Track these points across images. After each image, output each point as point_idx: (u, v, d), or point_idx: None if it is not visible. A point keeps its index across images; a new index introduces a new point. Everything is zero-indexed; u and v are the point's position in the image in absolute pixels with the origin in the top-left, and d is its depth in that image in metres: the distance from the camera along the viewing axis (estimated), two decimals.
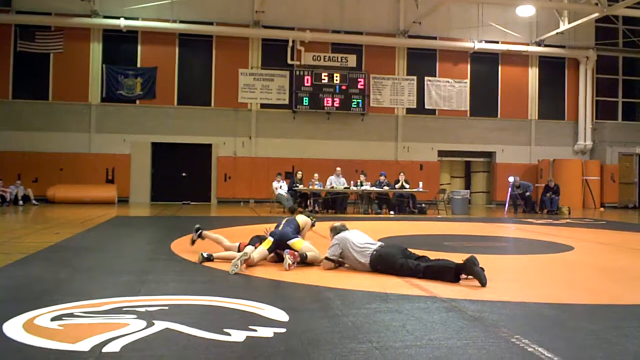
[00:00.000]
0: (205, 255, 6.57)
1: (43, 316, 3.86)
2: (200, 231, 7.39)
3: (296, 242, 6.54)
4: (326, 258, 6.26)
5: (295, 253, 6.29)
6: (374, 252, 6.00)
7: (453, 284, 5.46)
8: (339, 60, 22.00)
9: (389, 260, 5.88)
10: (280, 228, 6.81)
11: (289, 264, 6.11)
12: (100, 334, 3.44)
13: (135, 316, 3.89)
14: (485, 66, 23.22)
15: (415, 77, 22.62)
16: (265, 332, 3.62)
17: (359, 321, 4.04)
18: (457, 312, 4.36)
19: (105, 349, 3.16)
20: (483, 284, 5.39)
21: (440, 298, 4.83)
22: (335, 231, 6.53)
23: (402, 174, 18.05)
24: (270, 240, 6.56)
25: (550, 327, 4.10)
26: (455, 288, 5.30)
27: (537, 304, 4.78)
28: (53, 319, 3.80)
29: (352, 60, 22.07)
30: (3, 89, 19.97)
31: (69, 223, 11.83)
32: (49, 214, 14.68)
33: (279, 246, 6.56)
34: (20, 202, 17.97)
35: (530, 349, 3.40)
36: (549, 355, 3.29)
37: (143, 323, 3.71)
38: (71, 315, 3.91)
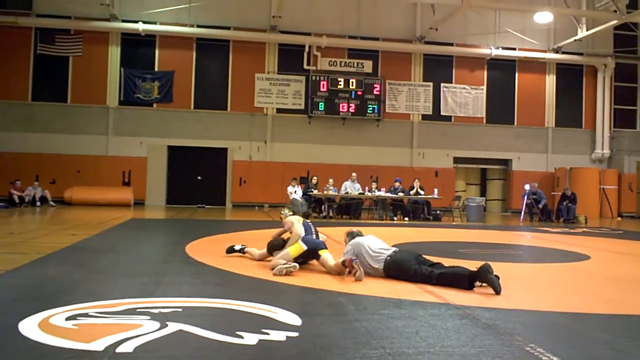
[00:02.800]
0: (237, 247, 6.71)
1: (58, 315, 3.90)
2: (244, 247, 7.34)
3: (326, 252, 6.40)
4: (342, 262, 6.17)
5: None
6: (388, 258, 5.97)
7: (467, 292, 5.42)
8: (355, 65, 22.03)
9: (403, 266, 5.85)
10: (313, 237, 6.62)
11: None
12: (114, 334, 3.46)
13: (149, 317, 3.91)
14: (502, 73, 23.11)
15: (431, 84, 22.58)
16: (278, 335, 3.62)
17: (372, 327, 4.02)
18: (471, 320, 4.33)
19: (118, 349, 3.18)
20: (497, 291, 5.33)
21: (454, 305, 4.80)
22: (350, 236, 6.49)
23: (417, 180, 18.00)
24: (302, 247, 6.37)
25: (564, 336, 4.06)
26: (469, 295, 5.27)
27: (552, 313, 4.73)
28: (68, 319, 3.83)
29: (368, 66, 22.09)
30: (23, 91, 20.25)
31: (85, 224, 11.93)
32: (66, 215, 14.83)
33: (310, 256, 6.39)
34: (38, 203, 18.17)
35: (544, 358, 3.36)
36: None
37: (157, 324, 3.73)
38: (86, 315, 3.94)
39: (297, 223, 6.78)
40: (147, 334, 3.50)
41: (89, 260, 6.84)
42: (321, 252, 6.38)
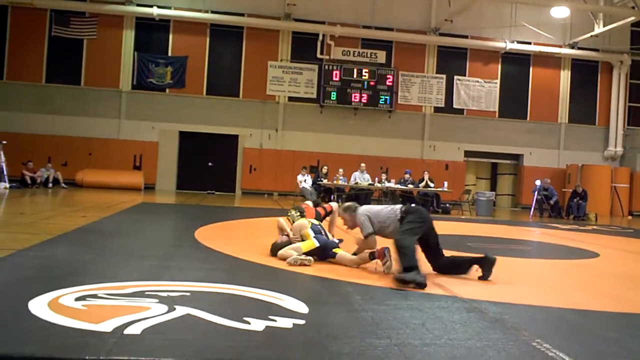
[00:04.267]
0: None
1: (67, 296, 3.93)
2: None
3: (340, 251, 6.31)
4: (368, 235, 5.95)
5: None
6: (402, 209, 5.93)
7: (474, 284, 5.42)
8: (369, 56, 21.93)
9: (423, 214, 5.93)
10: (322, 235, 6.51)
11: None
12: (123, 315, 3.49)
13: (157, 300, 3.94)
14: (516, 67, 22.93)
15: (444, 76, 22.45)
16: (285, 322, 3.64)
17: (379, 317, 4.03)
18: (478, 313, 4.33)
19: (126, 331, 3.21)
20: (484, 277, 5.66)
21: (461, 298, 4.80)
22: (351, 209, 6.20)
23: (426, 172, 17.96)
24: (315, 244, 6.24)
25: (572, 332, 4.06)
26: (477, 289, 5.27)
27: (560, 309, 4.73)
28: (77, 299, 3.86)
29: (381, 56, 21.98)
30: (37, 73, 20.34)
31: (96, 207, 12.01)
32: (77, 197, 14.93)
33: (321, 254, 6.26)
34: (50, 185, 18.29)
35: (551, 354, 3.36)
36: None
37: (165, 307, 3.76)
38: (95, 296, 3.97)
39: (307, 227, 6.57)
40: (155, 317, 3.53)
41: (98, 242, 6.89)
42: (336, 251, 6.28)
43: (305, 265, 5.90)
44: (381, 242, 5.96)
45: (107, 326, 3.26)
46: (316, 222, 6.87)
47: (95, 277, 4.58)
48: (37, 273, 4.83)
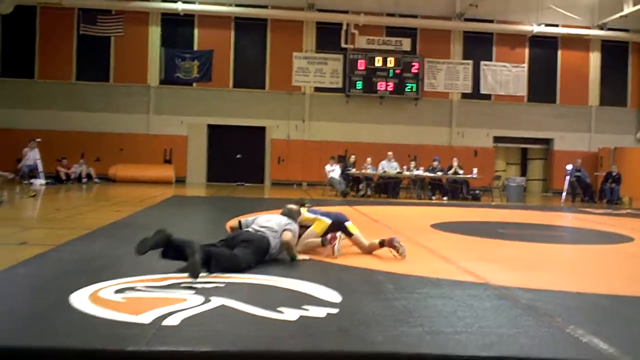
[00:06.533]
0: None
1: (107, 289, 4.04)
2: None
3: (351, 225, 6.26)
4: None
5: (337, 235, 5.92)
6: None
7: (505, 272, 5.39)
8: (393, 43, 21.79)
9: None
10: (328, 212, 6.41)
11: (337, 248, 5.81)
12: (161, 307, 3.58)
13: (193, 292, 4.03)
14: (544, 50, 22.55)
15: (470, 62, 22.20)
16: (318, 311, 3.69)
17: (411, 305, 4.06)
18: (510, 300, 4.33)
19: (165, 322, 3.30)
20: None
21: (493, 285, 4.80)
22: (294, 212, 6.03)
23: (455, 159, 17.83)
24: (326, 221, 6.13)
25: (606, 318, 4.03)
26: (509, 276, 5.24)
27: (594, 295, 4.69)
28: (116, 292, 3.97)
29: (406, 44, 21.82)
30: (67, 71, 20.72)
31: (129, 201, 12.24)
32: (110, 192, 15.22)
33: (337, 229, 6.14)
34: (84, 180, 18.69)
35: (585, 340, 3.34)
36: (605, 347, 3.22)
37: (201, 299, 3.84)
38: (133, 289, 4.08)
39: (306, 214, 6.34)
40: (191, 308, 3.61)
41: (134, 235, 6.95)
42: (349, 226, 6.19)
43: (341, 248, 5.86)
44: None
45: (146, 318, 3.36)
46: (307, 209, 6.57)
47: (132, 270, 4.69)
48: (76, 267, 4.97)
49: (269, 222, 5.53)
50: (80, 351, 2.87)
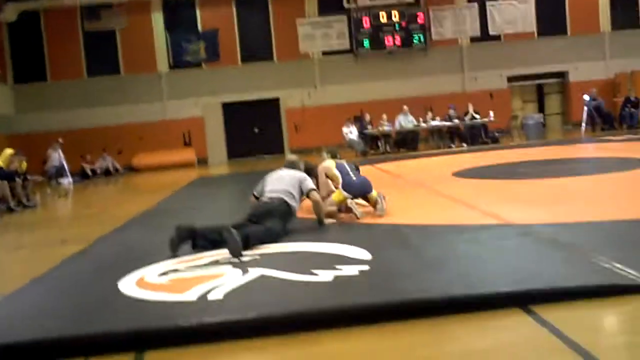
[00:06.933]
0: None
1: (151, 274, 4.26)
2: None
3: (373, 195, 6.07)
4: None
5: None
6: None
7: (525, 210, 5.50)
8: None
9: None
10: (354, 179, 6.10)
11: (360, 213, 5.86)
12: (203, 283, 3.78)
13: (231, 266, 4.24)
14: None
15: (476, 3, 21.88)
16: (351, 270, 3.86)
17: (438, 253, 4.24)
18: (533, 237, 4.46)
19: (210, 297, 3.51)
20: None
21: (515, 225, 4.93)
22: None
23: (470, 105, 17.77)
24: (345, 196, 5.96)
25: (629, 244, 4.10)
26: (530, 214, 5.36)
27: (616, 222, 4.78)
28: (160, 275, 4.20)
29: None
30: (78, 69, 20.95)
31: (156, 188, 12.53)
32: (137, 182, 15.56)
33: (356, 196, 6.07)
34: (111, 171, 19.10)
35: (608, 266, 3.41)
36: (629, 271, 3.27)
37: (239, 272, 4.04)
38: (175, 270, 4.30)
39: (332, 168, 6.24)
40: (232, 281, 3.82)
41: (166, 221, 7.19)
42: (370, 196, 6.06)
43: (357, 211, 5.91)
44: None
45: (192, 295, 3.58)
46: (343, 161, 6.49)
47: (171, 254, 4.91)
48: (117, 258, 5.17)
49: (280, 184, 5.52)
50: (137, 331, 3.09)
